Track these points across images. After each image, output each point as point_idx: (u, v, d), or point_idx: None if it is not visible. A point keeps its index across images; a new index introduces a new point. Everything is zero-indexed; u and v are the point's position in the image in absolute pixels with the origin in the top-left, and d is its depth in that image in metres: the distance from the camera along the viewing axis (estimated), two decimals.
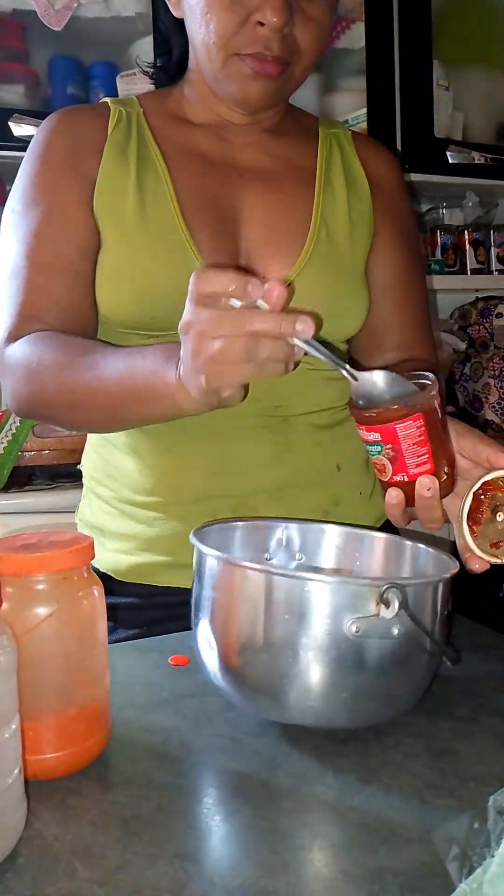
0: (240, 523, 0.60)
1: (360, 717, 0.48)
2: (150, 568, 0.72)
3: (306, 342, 0.47)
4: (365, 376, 0.53)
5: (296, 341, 0.47)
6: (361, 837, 0.39)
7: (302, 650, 0.46)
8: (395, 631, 0.46)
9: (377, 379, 0.53)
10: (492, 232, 1.78)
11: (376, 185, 0.79)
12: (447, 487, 0.54)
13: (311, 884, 0.36)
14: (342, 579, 0.49)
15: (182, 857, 0.38)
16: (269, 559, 0.61)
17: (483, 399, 1.71)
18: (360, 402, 0.53)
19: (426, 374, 0.54)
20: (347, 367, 0.52)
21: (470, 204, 1.83)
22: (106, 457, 0.77)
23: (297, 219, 0.74)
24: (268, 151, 0.77)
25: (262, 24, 0.64)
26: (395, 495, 0.54)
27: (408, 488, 0.53)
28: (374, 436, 0.52)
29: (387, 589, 0.44)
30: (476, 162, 1.69)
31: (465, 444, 0.57)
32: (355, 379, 0.53)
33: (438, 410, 0.52)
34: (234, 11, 0.65)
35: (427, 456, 0.52)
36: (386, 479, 0.54)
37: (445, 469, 0.53)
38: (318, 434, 0.75)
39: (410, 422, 0.50)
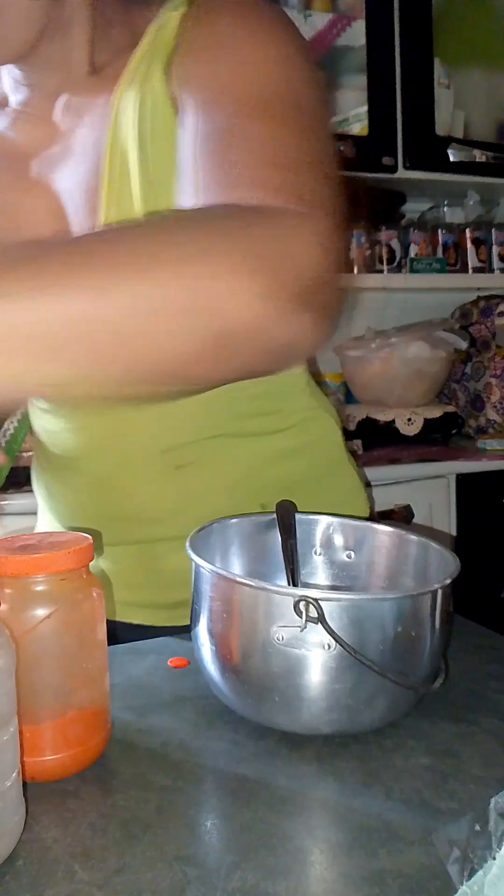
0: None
1: (308, 724, 0.48)
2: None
3: None
4: None
5: None
6: (362, 840, 0.39)
7: (243, 657, 0.47)
8: (326, 643, 0.45)
9: None
10: (493, 230, 1.78)
11: (191, 51, 0.50)
12: None
13: (311, 886, 0.36)
14: (265, 587, 0.47)
15: (182, 860, 0.38)
16: (319, 553, 0.60)
17: (485, 398, 1.70)
18: None
19: None
20: None
21: (471, 202, 1.82)
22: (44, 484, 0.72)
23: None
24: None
25: None
26: None
27: None
28: None
29: (300, 600, 0.44)
30: (477, 160, 1.69)
31: None
32: None
33: None
34: None
35: None
36: None
37: None
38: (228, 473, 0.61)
39: None
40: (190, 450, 0.60)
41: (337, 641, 0.44)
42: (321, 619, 0.44)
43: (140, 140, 0.50)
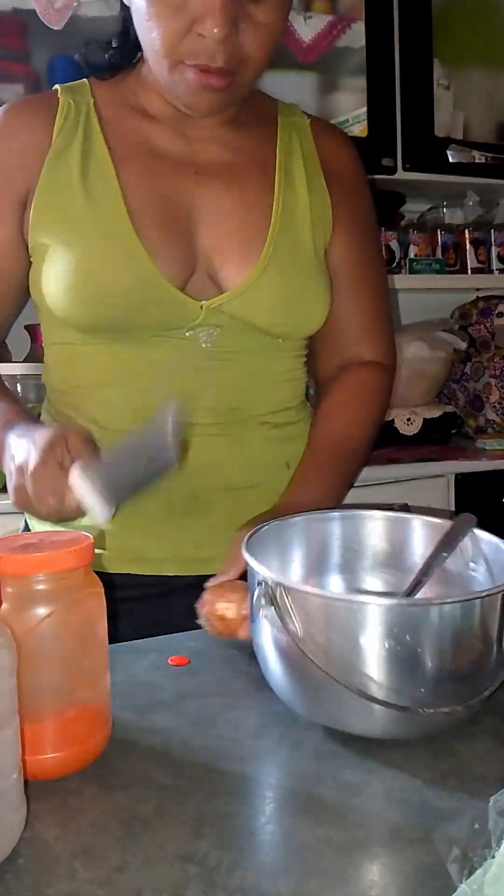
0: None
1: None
2: (104, 559, 0.73)
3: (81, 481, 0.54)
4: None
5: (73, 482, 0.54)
6: (362, 838, 0.39)
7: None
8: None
9: None
10: (492, 231, 1.78)
11: (334, 173, 0.78)
12: None
13: (310, 884, 0.36)
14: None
15: (182, 858, 0.38)
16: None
17: (484, 399, 1.70)
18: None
19: None
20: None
21: (470, 203, 1.82)
22: None
23: (257, 217, 0.72)
24: (226, 145, 0.75)
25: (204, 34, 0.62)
26: None
27: None
28: None
29: (261, 583, 0.46)
30: (477, 161, 1.69)
31: None
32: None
33: None
34: (177, 20, 0.62)
35: None
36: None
37: None
38: (270, 432, 0.76)
39: None
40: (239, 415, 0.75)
41: (287, 631, 0.45)
42: (274, 603, 0.45)
43: (312, 223, 0.75)
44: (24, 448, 0.59)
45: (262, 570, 0.49)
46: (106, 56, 0.75)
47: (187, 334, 0.71)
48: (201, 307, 0.70)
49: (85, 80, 0.76)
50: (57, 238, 0.70)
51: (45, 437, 0.58)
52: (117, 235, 0.68)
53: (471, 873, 0.34)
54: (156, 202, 0.71)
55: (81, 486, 0.54)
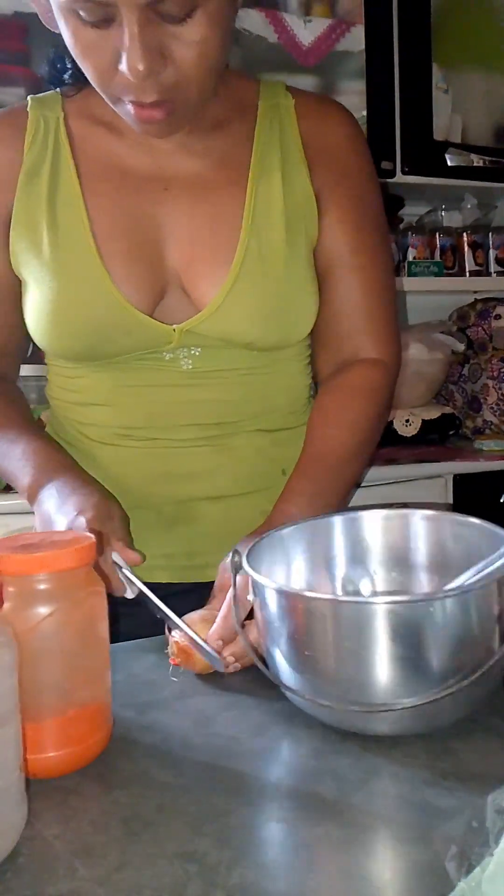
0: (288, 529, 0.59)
1: None
2: None
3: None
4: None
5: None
6: (361, 836, 0.40)
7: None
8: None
9: None
10: (490, 234, 1.79)
11: (322, 153, 0.71)
12: None
13: (310, 882, 0.36)
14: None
15: (182, 857, 0.38)
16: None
17: (481, 400, 1.71)
18: None
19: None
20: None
21: (468, 206, 1.83)
22: None
23: (227, 229, 0.68)
24: (196, 153, 0.70)
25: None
26: None
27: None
28: None
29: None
30: (475, 164, 1.70)
31: None
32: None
33: None
34: (102, 57, 0.58)
35: None
36: None
37: None
38: (263, 440, 0.74)
39: None
40: (227, 428, 0.74)
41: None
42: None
43: (286, 215, 0.70)
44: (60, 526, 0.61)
45: (263, 580, 0.49)
46: (65, 76, 0.72)
47: (167, 357, 0.70)
48: (174, 331, 0.68)
49: (57, 91, 0.72)
50: (28, 270, 0.69)
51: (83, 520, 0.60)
52: (82, 266, 0.67)
53: (469, 871, 0.35)
54: (123, 224, 0.68)
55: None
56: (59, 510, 0.62)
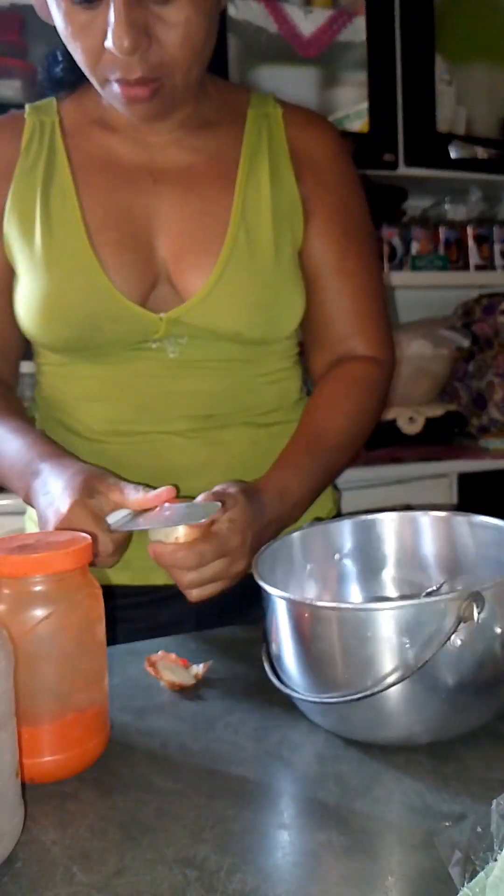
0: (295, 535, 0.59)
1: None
2: None
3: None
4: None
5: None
6: (364, 842, 0.39)
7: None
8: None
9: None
10: (496, 227, 1.77)
11: (308, 164, 0.74)
12: None
13: (312, 889, 0.36)
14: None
15: (181, 862, 0.37)
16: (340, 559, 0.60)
17: (487, 397, 1.69)
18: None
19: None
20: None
21: (473, 199, 1.81)
22: None
23: (215, 223, 0.70)
24: (187, 148, 0.72)
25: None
26: None
27: None
28: None
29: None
30: (479, 157, 1.68)
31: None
32: None
33: None
34: (91, 37, 0.62)
35: None
36: None
37: None
38: (256, 433, 0.75)
39: None
40: (217, 420, 0.74)
41: None
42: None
43: (274, 216, 0.72)
44: (58, 489, 0.60)
45: (273, 591, 0.48)
46: (58, 70, 0.74)
47: (154, 346, 0.71)
48: (161, 319, 0.69)
49: (53, 98, 0.75)
50: (20, 260, 0.70)
51: (79, 482, 0.59)
52: (74, 256, 0.68)
53: (473, 876, 0.34)
54: (115, 216, 0.70)
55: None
56: (54, 476, 0.61)
